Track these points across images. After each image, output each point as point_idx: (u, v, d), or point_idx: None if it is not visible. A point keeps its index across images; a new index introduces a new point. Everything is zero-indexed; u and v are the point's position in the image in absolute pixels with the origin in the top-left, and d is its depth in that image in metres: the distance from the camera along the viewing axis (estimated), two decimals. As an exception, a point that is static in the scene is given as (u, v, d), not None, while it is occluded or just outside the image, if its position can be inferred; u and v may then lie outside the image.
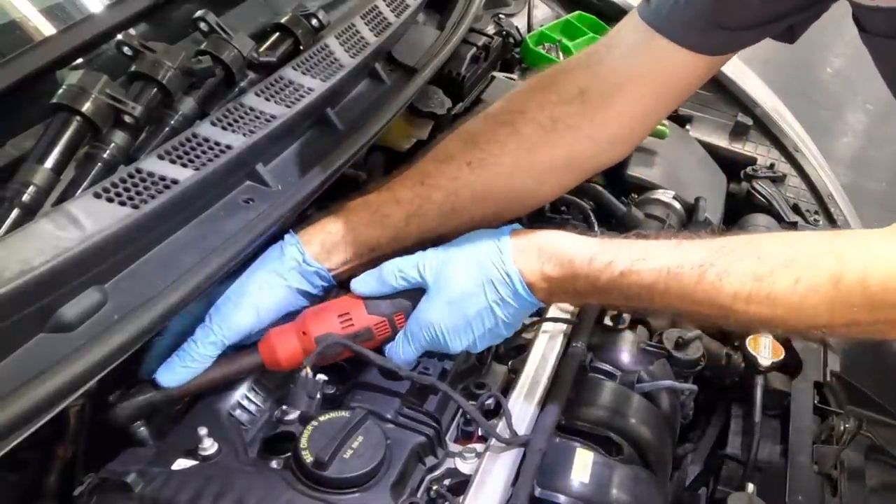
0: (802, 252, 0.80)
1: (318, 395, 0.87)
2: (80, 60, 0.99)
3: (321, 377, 0.89)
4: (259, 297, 0.92)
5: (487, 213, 1.04)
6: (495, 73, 1.60)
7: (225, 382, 0.91)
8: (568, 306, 1.12)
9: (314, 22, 1.17)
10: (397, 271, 0.91)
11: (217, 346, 0.89)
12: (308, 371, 0.87)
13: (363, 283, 0.93)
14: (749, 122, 1.74)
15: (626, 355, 1.09)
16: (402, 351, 0.92)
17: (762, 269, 0.80)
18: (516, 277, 0.88)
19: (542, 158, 1.04)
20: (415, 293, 0.92)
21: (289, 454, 0.82)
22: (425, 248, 0.96)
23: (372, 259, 0.99)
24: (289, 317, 0.95)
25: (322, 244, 0.97)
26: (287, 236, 0.96)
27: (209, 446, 0.82)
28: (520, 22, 1.75)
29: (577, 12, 1.86)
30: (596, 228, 1.27)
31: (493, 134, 1.03)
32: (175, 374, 0.87)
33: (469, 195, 1.02)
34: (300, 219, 1.02)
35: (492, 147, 1.03)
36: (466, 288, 0.89)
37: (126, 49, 0.96)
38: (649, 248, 0.86)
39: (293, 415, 0.90)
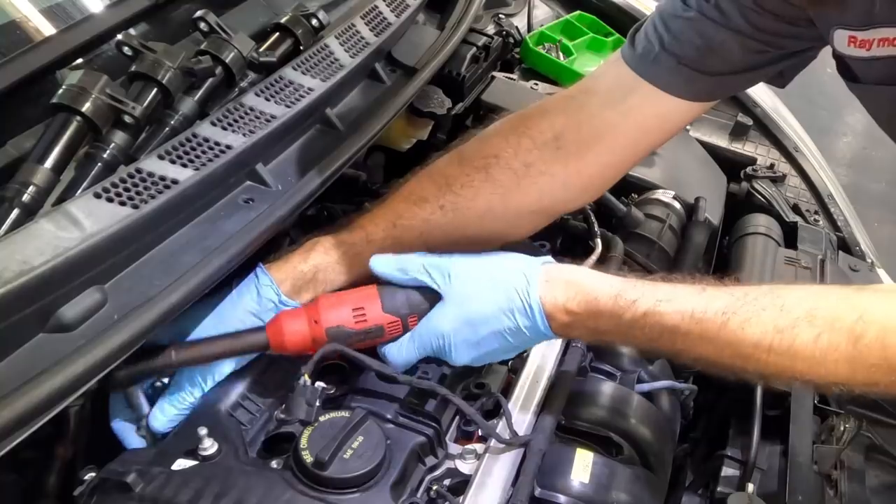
0: (824, 307, 0.79)
1: (318, 403, 0.86)
2: (80, 60, 0.99)
3: (320, 385, 0.88)
4: None
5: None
6: (495, 73, 1.60)
7: (226, 357, 0.90)
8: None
9: (314, 22, 1.17)
10: (422, 268, 0.91)
11: (201, 390, 0.92)
12: (306, 378, 0.86)
13: (384, 264, 0.92)
14: (749, 122, 1.74)
15: (626, 355, 1.09)
16: (405, 352, 0.91)
17: (784, 321, 0.79)
18: (538, 310, 0.87)
19: (514, 203, 1.04)
20: (430, 294, 0.91)
21: (289, 454, 0.82)
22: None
23: None
24: None
25: (293, 283, 0.97)
26: (260, 274, 0.95)
27: (209, 446, 0.82)
28: (520, 22, 1.75)
29: (577, 12, 1.86)
30: (596, 228, 1.27)
31: (467, 178, 1.04)
32: (164, 415, 0.90)
33: (441, 237, 1.03)
34: (299, 220, 1.02)
35: (465, 192, 1.03)
36: (487, 310, 0.88)
37: (126, 49, 0.96)
38: (674, 291, 0.85)
39: (293, 414, 0.90)
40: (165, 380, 0.93)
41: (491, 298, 0.88)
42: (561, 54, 1.70)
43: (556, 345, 1.05)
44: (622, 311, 0.85)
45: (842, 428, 1.08)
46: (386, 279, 0.92)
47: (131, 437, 0.91)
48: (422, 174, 1.07)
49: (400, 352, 0.91)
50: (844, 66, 0.93)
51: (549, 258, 0.94)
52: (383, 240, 1.02)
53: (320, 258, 0.99)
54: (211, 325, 0.92)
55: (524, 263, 0.91)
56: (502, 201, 1.04)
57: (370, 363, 0.91)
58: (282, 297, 0.95)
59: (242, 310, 0.94)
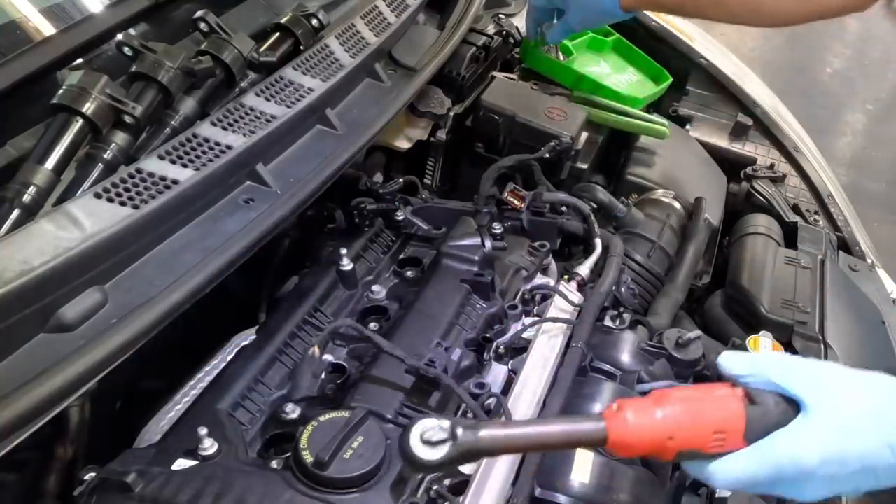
0: None
1: (323, 375, 0.86)
2: (80, 60, 0.99)
3: (328, 357, 0.88)
4: None
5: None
6: (495, 73, 1.60)
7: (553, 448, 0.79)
8: (568, 306, 1.12)
9: (314, 22, 1.17)
10: (783, 372, 0.71)
11: None
12: (316, 350, 0.86)
13: (735, 364, 0.73)
14: (749, 122, 1.75)
15: (626, 355, 1.09)
16: (740, 473, 0.70)
17: None
18: None
19: None
20: (786, 405, 0.71)
21: (289, 454, 0.82)
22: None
23: None
24: None
25: None
26: None
27: (209, 446, 0.82)
28: (520, 22, 1.75)
29: (577, 12, 1.86)
30: (596, 228, 1.27)
31: None
32: None
33: None
34: (299, 220, 1.02)
35: None
36: (867, 442, 0.70)
37: (126, 49, 0.96)
38: None
39: (293, 414, 0.90)
40: None
41: (876, 428, 0.70)
42: (561, 54, 1.69)
43: (557, 345, 1.05)
44: None
45: (842, 428, 1.08)
46: (735, 380, 0.73)
47: None
48: None
49: (733, 471, 0.71)
50: None
51: None
52: None
53: None
54: None
55: None
56: None
57: (381, 342, 0.89)
58: None
59: None
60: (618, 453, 0.70)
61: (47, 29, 1.01)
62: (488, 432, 0.65)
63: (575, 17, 1.39)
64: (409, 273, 1.17)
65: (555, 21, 1.45)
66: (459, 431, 0.64)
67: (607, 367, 1.07)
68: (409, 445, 0.63)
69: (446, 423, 0.64)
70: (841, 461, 0.69)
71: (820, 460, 0.69)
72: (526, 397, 0.97)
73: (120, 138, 0.91)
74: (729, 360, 0.74)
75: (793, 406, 0.71)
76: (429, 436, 0.63)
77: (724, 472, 0.71)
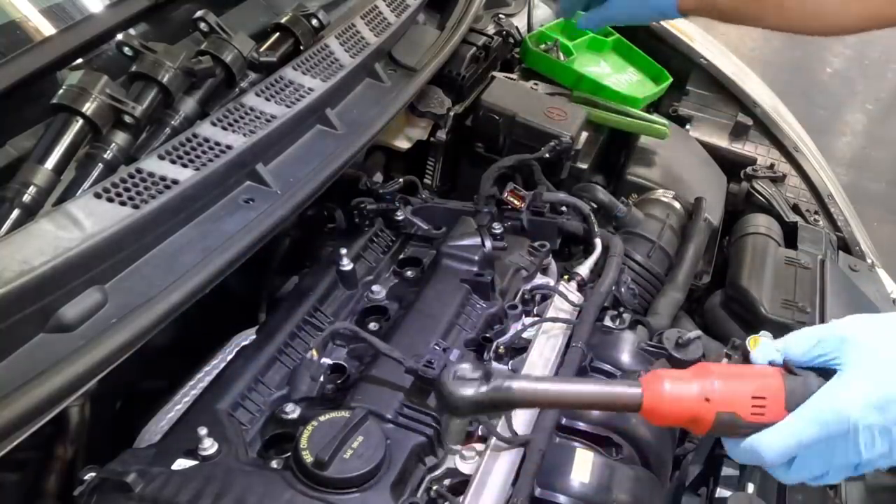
0: None
1: (321, 378, 0.86)
2: (80, 60, 0.99)
3: (326, 360, 0.88)
4: None
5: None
6: (495, 73, 1.60)
7: (580, 407, 0.82)
8: (568, 306, 1.12)
9: (314, 22, 1.17)
10: (813, 343, 0.72)
11: None
12: (314, 353, 0.87)
13: (768, 353, 0.75)
14: (749, 122, 1.75)
15: (626, 355, 1.09)
16: (786, 441, 0.69)
17: None
18: None
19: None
20: (822, 374, 0.71)
21: (289, 454, 0.82)
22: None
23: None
24: None
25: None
26: None
27: (209, 446, 0.82)
28: (520, 22, 1.75)
29: (576, 12, 1.86)
30: (596, 228, 1.27)
31: None
32: None
33: None
34: (299, 220, 1.02)
35: None
36: None
37: (126, 49, 0.96)
38: None
39: (293, 414, 0.90)
40: None
41: None
42: (561, 54, 1.70)
43: (557, 345, 1.05)
44: None
45: (842, 428, 1.08)
46: (781, 364, 0.74)
47: None
48: None
49: (779, 439, 0.70)
50: None
51: None
52: None
53: None
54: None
55: None
56: None
57: (378, 345, 0.89)
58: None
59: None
60: (651, 421, 0.71)
61: (47, 29, 1.01)
62: (522, 383, 0.68)
63: (619, 6, 1.24)
64: (409, 273, 1.17)
65: (581, 9, 1.31)
66: (493, 376, 0.67)
67: (607, 367, 1.07)
68: (444, 382, 0.67)
69: (481, 367, 0.68)
70: (885, 406, 0.68)
71: (864, 408, 0.68)
72: (526, 397, 0.97)
73: (120, 138, 0.91)
74: (762, 352, 0.75)
75: (830, 372, 0.70)
76: (462, 373, 0.67)
77: (770, 441, 0.69)
